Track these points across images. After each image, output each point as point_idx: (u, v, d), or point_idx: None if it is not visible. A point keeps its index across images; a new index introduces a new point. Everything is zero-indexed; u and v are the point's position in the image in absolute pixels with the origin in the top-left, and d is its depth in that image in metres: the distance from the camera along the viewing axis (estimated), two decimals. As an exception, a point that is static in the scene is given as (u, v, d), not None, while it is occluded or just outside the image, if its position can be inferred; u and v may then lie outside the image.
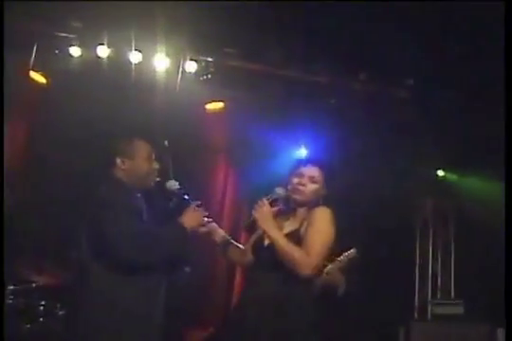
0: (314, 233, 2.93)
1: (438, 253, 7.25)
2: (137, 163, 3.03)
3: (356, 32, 5.67)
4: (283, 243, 2.86)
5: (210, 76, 6.30)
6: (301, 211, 3.06)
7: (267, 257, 2.93)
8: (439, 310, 6.63)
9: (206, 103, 6.56)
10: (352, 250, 4.13)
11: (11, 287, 4.70)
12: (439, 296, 7.09)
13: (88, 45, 5.90)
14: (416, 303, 7.07)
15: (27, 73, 5.98)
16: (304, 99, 6.61)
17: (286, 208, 3.11)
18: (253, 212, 2.93)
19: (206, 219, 3.08)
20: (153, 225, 2.95)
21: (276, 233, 2.89)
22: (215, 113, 6.58)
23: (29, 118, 6.21)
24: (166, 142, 4.42)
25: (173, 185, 3.11)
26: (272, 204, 2.97)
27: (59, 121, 5.86)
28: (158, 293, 2.95)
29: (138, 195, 3.05)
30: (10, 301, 4.66)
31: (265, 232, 2.94)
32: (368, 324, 5.95)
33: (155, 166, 3.10)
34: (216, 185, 6.89)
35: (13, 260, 4.65)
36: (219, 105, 6.60)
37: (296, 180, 3.01)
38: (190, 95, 6.21)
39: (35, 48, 5.85)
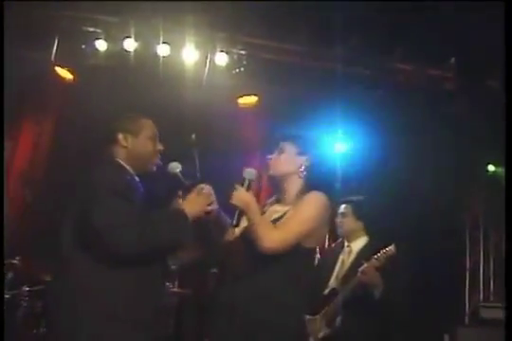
0: (294, 213, 2.66)
1: (490, 253, 6.78)
2: (142, 141, 2.72)
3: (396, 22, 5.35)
4: (256, 219, 2.61)
5: (242, 69, 6.04)
6: (291, 197, 2.78)
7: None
8: (489, 314, 6.19)
9: (238, 97, 6.27)
10: (390, 247, 3.75)
11: (27, 289, 4.53)
12: (491, 299, 6.63)
13: (115, 39, 5.70)
14: (465, 307, 6.63)
15: (53, 69, 5.80)
16: (342, 92, 6.25)
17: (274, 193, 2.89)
18: (231, 200, 2.64)
19: (210, 206, 2.73)
20: (149, 213, 2.60)
21: (256, 214, 2.62)
22: (248, 107, 6.28)
23: (56, 115, 6.03)
24: (193, 136, 4.07)
25: (175, 167, 2.78)
26: (248, 188, 2.70)
27: (85, 117, 5.65)
28: (152, 290, 2.61)
29: (137, 179, 2.71)
30: (25, 304, 4.49)
31: (248, 219, 2.66)
32: (412, 330, 5.54)
33: (160, 147, 2.79)
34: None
35: (28, 261, 4.53)
36: (252, 99, 6.31)
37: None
38: (221, 89, 5.96)
39: (60, 44, 5.68)
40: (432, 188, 6.10)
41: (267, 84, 6.26)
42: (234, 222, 2.65)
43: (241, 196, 2.63)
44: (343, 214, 4.11)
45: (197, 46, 5.79)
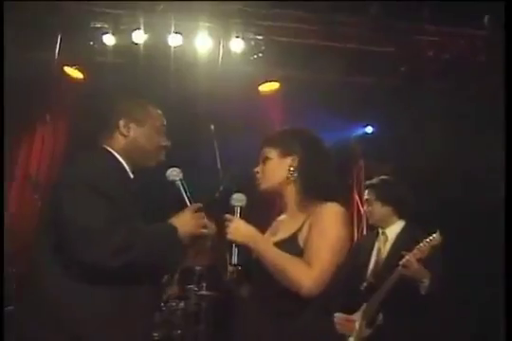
0: (317, 237, 2.19)
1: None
2: (146, 132, 2.34)
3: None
4: (273, 254, 2.17)
5: (261, 55, 5.67)
6: (297, 210, 2.35)
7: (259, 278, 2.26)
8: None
9: (259, 85, 5.92)
10: (435, 235, 3.29)
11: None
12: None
13: (123, 32, 5.39)
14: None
15: (62, 69, 5.55)
16: (368, 73, 5.88)
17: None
18: (229, 235, 2.22)
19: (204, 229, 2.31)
20: (138, 221, 2.22)
21: (270, 249, 2.20)
22: (270, 94, 5.93)
23: (68, 116, 5.80)
24: (212, 127, 3.73)
25: (175, 174, 2.36)
26: (241, 214, 2.29)
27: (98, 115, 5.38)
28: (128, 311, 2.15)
29: (131, 175, 2.34)
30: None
31: (254, 251, 2.23)
32: (461, 330, 5.09)
33: (166, 142, 2.41)
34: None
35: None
36: (274, 86, 5.96)
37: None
38: (240, 77, 5.62)
39: (68, 42, 5.43)
40: (476, 170, 5.66)
41: (289, 69, 5.92)
42: (234, 260, 2.20)
43: (240, 229, 2.22)
44: (368, 201, 3.72)
45: (211, 34, 5.46)
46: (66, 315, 2.03)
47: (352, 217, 6.28)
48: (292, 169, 2.35)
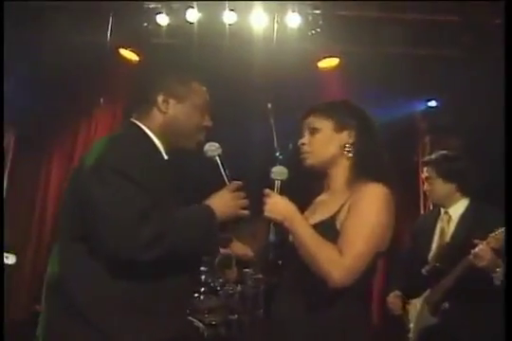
0: (354, 222, 1.98)
1: None
2: (186, 109, 2.14)
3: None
4: (306, 237, 1.97)
5: (319, 30, 5.46)
6: (339, 186, 2.15)
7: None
8: None
9: (317, 61, 5.71)
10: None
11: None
12: None
13: (176, 11, 5.29)
14: None
15: (117, 51, 5.51)
16: (430, 44, 5.57)
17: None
18: (265, 212, 2.03)
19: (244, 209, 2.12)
20: (172, 205, 2.00)
21: (305, 230, 1.99)
22: (330, 70, 5.71)
23: (124, 98, 5.77)
24: (269, 105, 3.59)
25: (213, 149, 2.16)
26: (281, 192, 2.09)
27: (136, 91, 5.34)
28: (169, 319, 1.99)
29: (165, 157, 2.15)
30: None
31: (296, 237, 2.03)
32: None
33: (207, 122, 2.21)
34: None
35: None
36: (334, 62, 5.74)
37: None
38: (297, 53, 5.44)
39: (122, 25, 5.37)
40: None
41: (348, 44, 5.66)
42: (272, 238, 2.03)
43: (278, 205, 2.03)
44: (428, 179, 3.44)
45: (266, 10, 5.28)
46: (95, 311, 1.90)
47: (418, 197, 6.04)
48: (348, 145, 2.15)
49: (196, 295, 4.62)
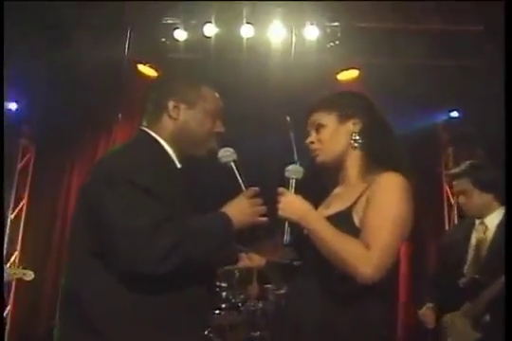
0: (375, 214, 1.90)
1: None
2: (198, 115, 2.06)
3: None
4: (327, 234, 1.88)
5: (337, 42, 5.43)
6: (356, 182, 2.06)
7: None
8: None
9: (337, 73, 5.67)
10: None
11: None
12: None
13: (194, 26, 5.31)
14: None
15: (135, 67, 5.52)
16: (452, 55, 5.53)
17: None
18: (280, 211, 1.95)
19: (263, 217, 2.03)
20: (186, 215, 1.92)
21: (323, 228, 1.90)
22: (350, 83, 5.67)
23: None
24: (288, 118, 3.52)
25: (227, 154, 2.07)
26: (296, 191, 1.99)
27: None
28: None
29: (178, 165, 2.07)
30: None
31: (314, 236, 1.94)
32: None
33: (219, 128, 2.13)
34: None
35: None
36: (353, 74, 5.69)
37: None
38: (316, 65, 5.40)
39: (140, 40, 5.39)
40: None
41: (368, 56, 5.62)
42: (287, 238, 1.94)
43: (293, 204, 1.96)
44: (462, 192, 3.29)
45: (283, 23, 5.26)
46: (109, 325, 1.83)
47: (442, 209, 5.95)
48: (355, 134, 2.06)
49: (218, 311, 4.56)
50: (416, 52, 5.48)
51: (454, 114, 6.02)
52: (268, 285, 4.70)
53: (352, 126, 2.07)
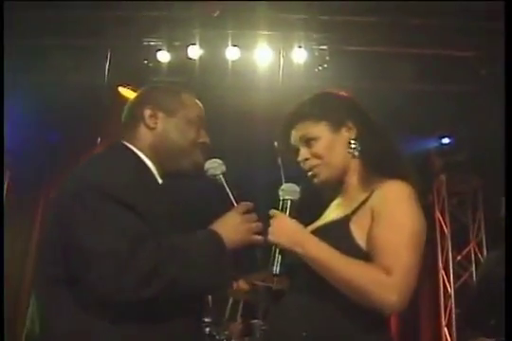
0: (387, 231, 1.65)
1: None
2: (178, 124, 1.85)
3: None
4: (335, 263, 1.62)
5: (326, 65, 5.29)
6: (357, 191, 1.80)
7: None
8: None
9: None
10: None
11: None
12: None
13: (177, 48, 5.17)
14: None
15: (116, 90, 5.32)
16: (445, 80, 5.41)
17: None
18: (270, 236, 1.71)
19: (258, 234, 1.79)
20: (171, 234, 1.68)
21: (321, 249, 1.65)
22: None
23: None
24: (276, 143, 3.35)
25: (215, 167, 1.87)
26: (291, 212, 1.75)
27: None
28: None
29: (159, 181, 1.84)
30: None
31: (304, 258, 1.68)
32: None
33: (203, 139, 1.90)
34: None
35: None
36: (342, 98, 5.53)
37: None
38: (304, 90, 5.21)
39: (121, 62, 5.21)
40: None
41: (357, 80, 5.47)
42: (276, 269, 1.70)
43: (285, 228, 1.71)
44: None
45: (270, 45, 5.13)
46: None
47: (434, 238, 5.78)
48: (353, 141, 1.83)
49: (200, 348, 4.29)
50: (407, 77, 5.41)
51: (446, 140, 5.93)
52: (255, 320, 4.44)
53: (347, 133, 1.85)
